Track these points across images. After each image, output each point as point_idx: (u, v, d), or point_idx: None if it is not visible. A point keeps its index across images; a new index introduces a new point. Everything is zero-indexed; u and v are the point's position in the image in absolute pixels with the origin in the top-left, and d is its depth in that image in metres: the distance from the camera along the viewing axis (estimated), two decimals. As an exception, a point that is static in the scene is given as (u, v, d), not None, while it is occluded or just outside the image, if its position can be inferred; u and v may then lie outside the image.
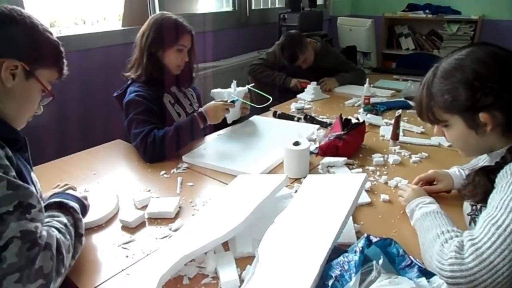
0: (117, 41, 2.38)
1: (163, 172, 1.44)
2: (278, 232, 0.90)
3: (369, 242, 0.78)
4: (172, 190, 1.32)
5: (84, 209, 1.01)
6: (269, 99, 1.75)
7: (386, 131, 1.81)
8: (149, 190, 1.32)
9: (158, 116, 1.63)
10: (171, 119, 1.72)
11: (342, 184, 1.06)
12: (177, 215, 1.17)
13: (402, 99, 2.32)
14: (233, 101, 1.69)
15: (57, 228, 0.83)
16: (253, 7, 3.47)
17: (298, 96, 2.48)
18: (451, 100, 0.92)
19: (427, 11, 3.97)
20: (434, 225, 0.95)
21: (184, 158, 1.54)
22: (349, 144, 1.55)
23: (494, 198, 0.85)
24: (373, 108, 2.12)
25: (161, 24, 1.67)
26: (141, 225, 1.13)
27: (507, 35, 3.73)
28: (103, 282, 0.91)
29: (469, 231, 0.84)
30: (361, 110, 2.15)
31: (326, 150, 1.54)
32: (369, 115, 2.03)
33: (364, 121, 1.68)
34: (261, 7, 3.77)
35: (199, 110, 1.61)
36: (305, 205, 1.00)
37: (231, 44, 3.32)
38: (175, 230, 1.09)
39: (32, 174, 0.91)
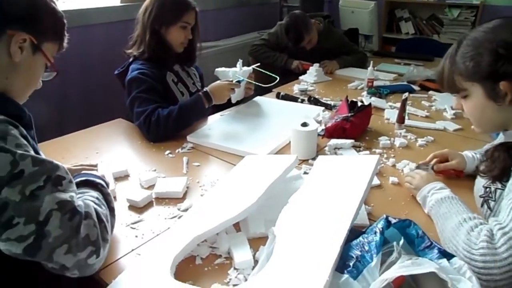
0: (117, 18, 2.31)
1: (168, 151, 1.42)
2: (294, 213, 0.89)
3: (388, 223, 0.77)
4: (178, 170, 1.30)
5: (108, 186, 1.00)
6: (276, 78, 1.72)
7: (391, 114, 1.80)
8: (155, 170, 1.29)
9: (161, 95, 1.59)
10: (174, 98, 1.68)
11: (355, 166, 1.04)
12: (185, 195, 1.16)
13: (405, 82, 2.31)
14: (238, 81, 1.65)
15: (91, 200, 0.83)
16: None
17: (300, 78, 2.44)
18: (473, 66, 0.89)
19: (428, -6, 3.92)
20: (453, 211, 0.94)
21: (188, 138, 1.51)
22: (356, 126, 1.53)
23: None
24: (376, 91, 2.10)
25: (164, 0, 1.61)
26: (149, 205, 1.11)
27: (508, 21, 3.70)
28: (114, 262, 0.89)
29: (495, 219, 0.82)
30: (364, 93, 2.13)
31: (333, 131, 1.53)
32: (373, 98, 2.01)
33: (370, 104, 1.66)
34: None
35: (204, 90, 1.58)
36: (318, 186, 0.99)
37: (231, 24, 3.25)
38: (184, 210, 1.08)
39: (41, 152, 0.88)
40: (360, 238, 0.76)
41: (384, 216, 0.79)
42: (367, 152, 1.43)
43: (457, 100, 1.02)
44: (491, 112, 0.92)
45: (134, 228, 1.01)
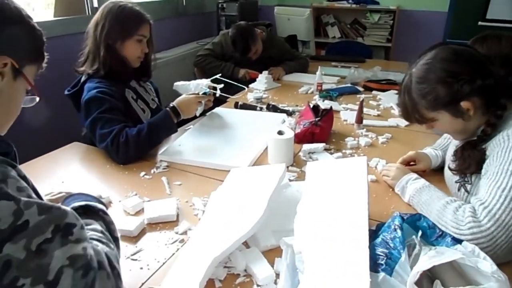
0: (51, 33, 2.12)
1: (143, 173, 1.34)
2: (308, 222, 0.90)
3: (402, 219, 0.82)
4: (161, 192, 1.24)
5: (107, 208, 0.89)
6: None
7: (347, 116, 1.91)
8: (136, 194, 1.22)
9: (123, 114, 1.51)
10: (135, 116, 1.60)
11: (347, 169, 1.09)
12: (178, 217, 1.11)
13: (349, 84, 2.46)
14: (204, 93, 1.63)
15: (97, 240, 0.73)
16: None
17: (251, 86, 2.47)
18: (433, 100, 1.03)
19: (350, 1, 4.22)
20: (434, 197, 1.05)
21: (160, 156, 1.45)
22: (324, 130, 1.60)
23: (491, 165, 0.95)
24: (327, 94, 2.21)
25: (117, 14, 1.53)
26: (142, 232, 1.05)
27: (421, 24, 4.14)
28: (126, 299, 0.82)
29: (476, 197, 0.94)
30: (316, 97, 2.22)
31: (303, 137, 1.58)
32: (326, 101, 2.12)
33: (331, 107, 1.74)
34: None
35: (172, 105, 1.53)
36: (320, 192, 1.02)
37: (169, 35, 3.18)
38: (183, 233, 1.03)
39: (41, 195, 0.77)
40: (381, 236, 0.80)
41: (397, 213, 0.84)
42: (340, 154, 1.49)
43: (426, 127, 1.15)
44: (463, 125, 1.06)
45: (135, 260, 0.94)
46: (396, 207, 1.16)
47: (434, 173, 1.35)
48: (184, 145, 1.55)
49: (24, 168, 0.68)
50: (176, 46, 3.21)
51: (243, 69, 2.64)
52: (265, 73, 2.44)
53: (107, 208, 0.88)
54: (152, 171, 1.37)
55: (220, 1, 3.27)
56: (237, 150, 1.50)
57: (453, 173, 1.12)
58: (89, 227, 0.77)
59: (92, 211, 0.82)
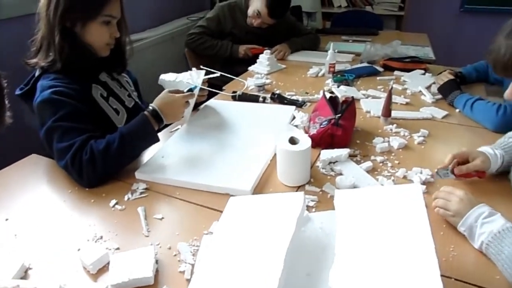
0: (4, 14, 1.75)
1: (113, 201, 1.02)
2: (358, 266, 0.61)
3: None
4: (136, 232, 0.92)
5: None
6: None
7: (369, 106, 1.57)
8: (101, 237, 0.90)
9: (88, 119, 1.16)
10: (106, 120, 1.26)
11: (394, 201, 0.77)
12: (157, 277, 0.79)
13: (366, 64, 2.09)
14: (191, 89, 1.28)
15: None
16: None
17: (250, 69, 2.11)
18: None
19: (357, -36, 3.77)
20: None
21: (137, 175, 1.12)
22: (346, 130, 1.26)
23: None
24: (343, 78, 1.85)
25: None
26: (104, 306, 0.74)
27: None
28: None
29: None
30: (329, 82, 1.87)
31: (319, 140, 1.24)
32: (342, 87, 1.76)
33: (353, 98, 1.39)
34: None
35: (151, 107, 1.18)
36: (364, 228, 0.71)
37: (155, 10, 2.77)
38: (164, 308, 0.72)
39: None
40: None
41: None
42: (370, 164, 1.15)
43: None
44: None
45: None
46: (457, 248, 0.84)
47: (494, 180, 1.05)
48: (167, 156, 1.21)
49: None
50: (163, 24, 2.80)
51: (243, 46, 2.25)
52: (267, 52, 2.06)
53: None
54: (126, 197, 1.04)
55: (212, -32, 2.85)
56: (237, 161, 1.17)
57: None
58: None
59: None
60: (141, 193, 1.06)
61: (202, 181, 1.07)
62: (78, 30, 1.19)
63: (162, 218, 0.96)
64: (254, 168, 1.12)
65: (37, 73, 1.21)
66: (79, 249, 0.86)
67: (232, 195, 0.92)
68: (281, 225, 0.77)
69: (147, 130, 1.14)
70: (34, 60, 1.21)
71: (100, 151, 1.06)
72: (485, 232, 0.81)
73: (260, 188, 1.07)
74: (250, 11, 2.20)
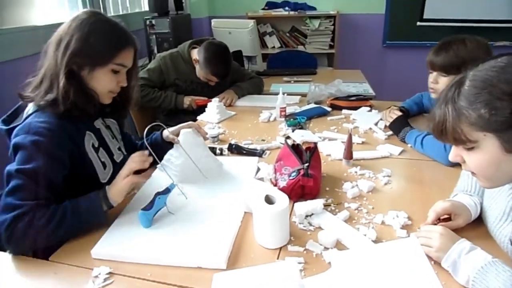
0: None
1: (71, 296, 0.86)
2: None
3: None
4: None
5: None
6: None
7: (328, 148, 1.57)
8: None
9: (60, 174, 1.05)
10: (91, 172, 1.15)
11: (396, 256, 0.73)
12: None
13: (314, 105, 2.14)
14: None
15: None
16: (111, 13, 2.81)
17: (200, 118, 2.04)
18: (490, 115, 0.74)
19: (286, 8, 3.97)
20: (509, 285, 0.75)
21: (94, 254, 0.97)
22: (316, 179, 1.23)
23: None
24: (296, 121, 1.85)
25: (90, 29, 1.06)
26: None
27: (362, 28, 4.02)
28: None
29: None
30: (283, 126, 1.86)
31: (290, 193, 1.19)
32: (297, 131, 1.76)
33: (316, 144, 1.38)
34: (120, 12, 3.12)
35: (106, 189, 1.06)
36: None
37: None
38: None
39: None
40: None
41: None
42: (346, 213, 1.12)
43: (455, 151, 0.86)
44: (509, 166, 0.79)
45: None
46: (448, 284, 0.83)
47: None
48: (128, 229, 1.07)
49: None
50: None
51: (188, 97, 2.19)
52: (215, 100, 2.02)
53: None
54: (85, 289, 0.88)
55: (147, 17, 2.78)
56: (205, 229, 1.07)
57: None
58: None
59: None
60: (105, 280, 0.91)
61: (172, 259, 0.95)
62: (84, 74, 1.09)
63: (135, 310, 0.83)
64: (223, 238, 1.01)
65: (30, 110, 1.09)
66: None
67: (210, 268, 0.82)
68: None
69: (94, 209, 1.03)
70: (30, 95, 1.09)
71: (40, 225, 0.95)
72: (470, 268, 0.81)
73: (236, 255, 0.97)
74: (199, 75, 2.17)
